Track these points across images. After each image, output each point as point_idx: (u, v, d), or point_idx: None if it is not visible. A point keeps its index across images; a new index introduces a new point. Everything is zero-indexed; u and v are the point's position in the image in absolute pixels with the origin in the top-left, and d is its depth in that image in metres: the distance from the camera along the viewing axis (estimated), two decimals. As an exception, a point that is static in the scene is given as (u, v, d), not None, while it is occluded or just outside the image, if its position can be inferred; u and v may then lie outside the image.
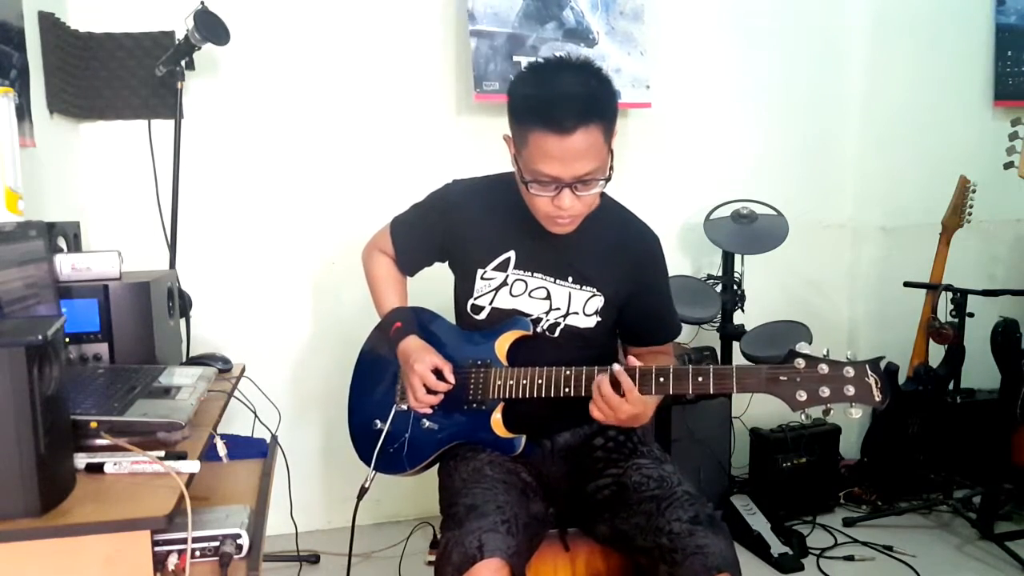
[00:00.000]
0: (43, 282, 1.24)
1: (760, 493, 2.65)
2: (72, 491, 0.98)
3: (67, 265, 1.53)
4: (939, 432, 2.73)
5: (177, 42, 2.25)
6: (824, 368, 1.26)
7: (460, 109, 2.66)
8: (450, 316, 1.65)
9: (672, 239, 2.92)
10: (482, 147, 2.29)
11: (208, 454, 1.21)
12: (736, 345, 2.70)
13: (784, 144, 3.03)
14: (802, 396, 1.26)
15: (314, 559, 2.43)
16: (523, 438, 1.50)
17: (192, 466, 1.06)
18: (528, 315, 1.53)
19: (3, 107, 1.37)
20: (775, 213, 2.78)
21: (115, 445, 1.08)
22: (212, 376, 1.46)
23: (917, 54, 3.08)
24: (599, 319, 1.52)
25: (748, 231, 2.73)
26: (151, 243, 2.36)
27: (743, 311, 2.77)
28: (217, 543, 1.17)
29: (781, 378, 1.27)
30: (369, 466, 1.59)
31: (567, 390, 1.42)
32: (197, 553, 1.15)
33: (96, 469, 1.04)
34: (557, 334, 1.53)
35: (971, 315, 2.64)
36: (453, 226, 1.57)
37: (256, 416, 1.61)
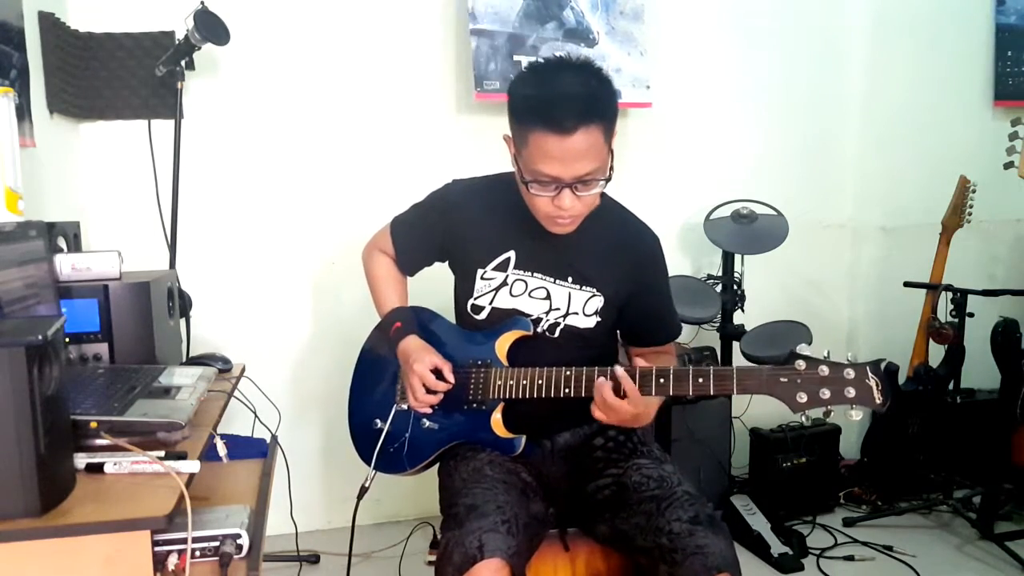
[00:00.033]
0: (43, 282, 1.24)
1: (760, 493, 2.65)
2: (72, 491, 0.98)
3: (67, 265, 1.53)
4: (939, 432, 2.73)
5: (177, 42, 2.25)
6: (825, 370, 1.26)
7: (460, 108, 2.66)
8: (450, 316, 1.65)
9: (672, 239, 2.92)
10: (482, 147, 2.29)
11: (208, 454, 1.21)
12: (736, 345, 2.70)
13: (784, 144, 3.03)
14: (802, 398, 1.26)
15: (314, 559, 2.43)
16: (523, 438, 1.50)
17: (192, 466, 1.06)
18: (528, 315, 1.53)
19: (3, 107, 1.37)
20: (775, 213, 2.78)
21: (115, 445, 1.08)
22: (212, 376, 1.46)
23: (917, 54, 3.08)
24: (599, 319, 1.52)
25: (748, 231, 2.73)
26: (151, 243, 2.36)
27: (743, 311, 2.77)
28: (217, 543, 1.17)
29: (781, 380, 1.27)
30: (369, 466, 1.60)
31: (567, 391, 1.42)
32: (197, 553, 1.15)
33: (96, 469, 1.04)
34: (557, 334, 1.53)
35: (971, 315, 2.64)
36: (453, 226, 1.57)
37: (256, 416, 1.61)
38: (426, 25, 2.61)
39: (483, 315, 1.55)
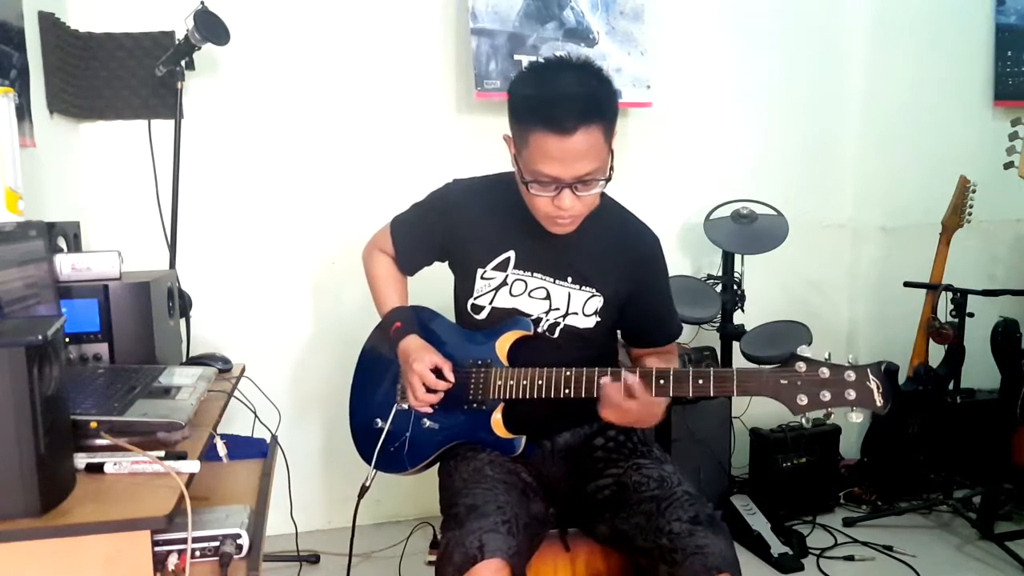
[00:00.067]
0: (43, 282, 1.24)
1: (760, 493, 2.65)
2: (72, 491, 0.98)
3: (67, 265, 1.53)
4: (939, 432, 2.73)
5: (177, 42, 2.25)
6: (825, 372, 1.25)
7: (460, 108, 2.66)
8: (450, 316, 1.65)
9: (672, 239, 2.92)
10: (482, 146, 2.29)
11: (208, 454, 1.21)
12: (736, 345, 2.70)
13: (784, 144, 3.03)
14: (803, 400, 1.26)
15: (314, 559, 2.43)
16: (523, 439, 1.50)
17: (192, 466, 1.06)
18: (528, 315, 1.52)
19: (3, 107, 1.37)
20: (775, 213, 2.78)
21: (115, 445, 1.08)
22: (212, 376, 1.46)
23: (917, 54, 3.08)
24: (598, 319, 1.52)
25: (748, 231, 2.73)
26: (151, 243, 2.36)
27: (743, 311, 2.77)
28: (217, 543, 1.17)
29: (782, 382, 1.27)
30: (370, 465, 1.60)
31: (567, 391, 1.42)
32: (197, 553, 1.15)
33: (96, 469, 1.04)
34: (556, 334, 1.53)
35: (971, 315, 2.64)
36: (453, 226, 1.57)
37: (256, 416, 1.61)
38: (426, 25, 2.61)
39: (483, 315, 1.55)
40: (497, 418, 1.50)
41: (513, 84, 1.39)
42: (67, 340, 1.43)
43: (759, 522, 2.49)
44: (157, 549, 1.03)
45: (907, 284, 2.80)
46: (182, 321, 1.98)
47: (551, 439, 1.57)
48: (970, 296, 2.63)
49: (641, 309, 1.56)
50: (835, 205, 3.15)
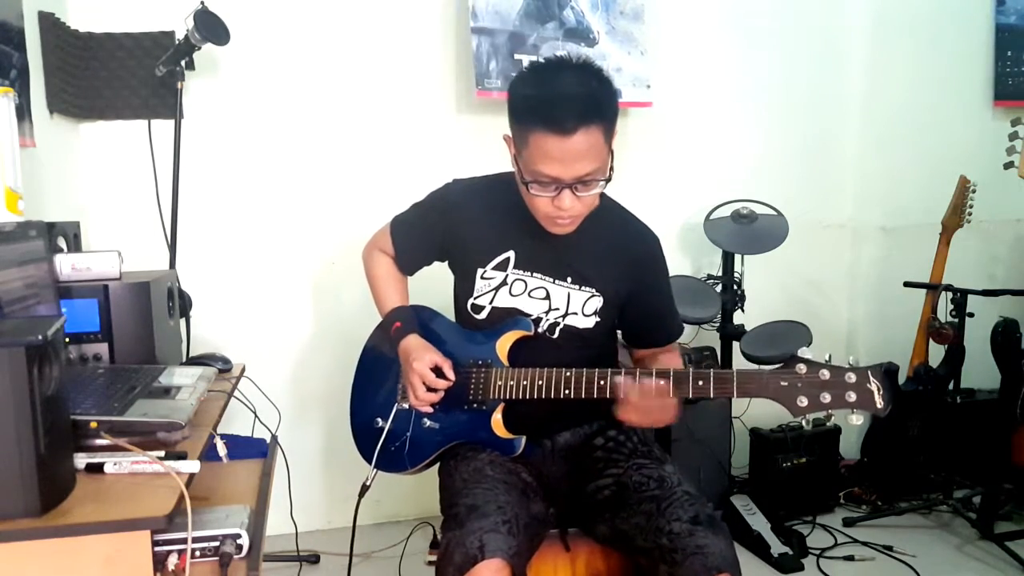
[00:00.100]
0: (43, 282, 1.24)
1: (760, 493, 2.65)
2: (72, 491, 0.98)
3: (67, 265, 1.53)
4: (939, 432, 2.73)
5: (177, 42, 2.25)
6: (826, 374, 1.25)
7: (460, 108, 2.66)
8: (450, 316, 1.65)
9: (672, 239, 2.92)
10: (483, 146, 2.29)
11: (208, 454, 1.21)
12: (736, 345, 2.70)
13: (784, 144, 3.03)
14: (803, 402, 1.26)
15: (314, 559, 2.43)
16: (523, 439, 1.50)
17: (192, 466, 1.06)
18: (528, 315, 1.52)
19: (3, 107, 1.37)
20: (775, 213, 2.78)
21: (115, 445, 1.08)
22: (212, 376, 1.46)
23: (917, 54, 3.08)
24: (598, 319, 1.52)
25: (748, 231, 2.73)
26: (151, 243, 2.36)
27: (743, 311, 2.77)
28: (217, 543, 1.16)
29: (782, 383, 1.27)
30: (370, 464, 1.60)
31: (567, 391, 1.42)
32: (197, 553, 1.15)
33: (96, 469, 1.04)
34: (556, 334, 1.53)
35: (971, 315, 2.64)
36: (453, 226, 1.57)
37: (256, 416, 1.61)
38: (426, 25, 2.61)
39: (483, 315, 1.55)
40: (497, 418, 1.50)
41: (513, 84, 1.39)
42: (67, 340, 1.43)
43: (759, 522, 2.49)
44: (157, 549, 1.03)
45: (907, 284, 2.80)
46: (182, 321, 1.98)
47: (551, 439, 1.57)
48: (970, 296, 2.63)
49: (641, 309, 1.56)
50: (835, 205, 3.15)
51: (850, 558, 2.43)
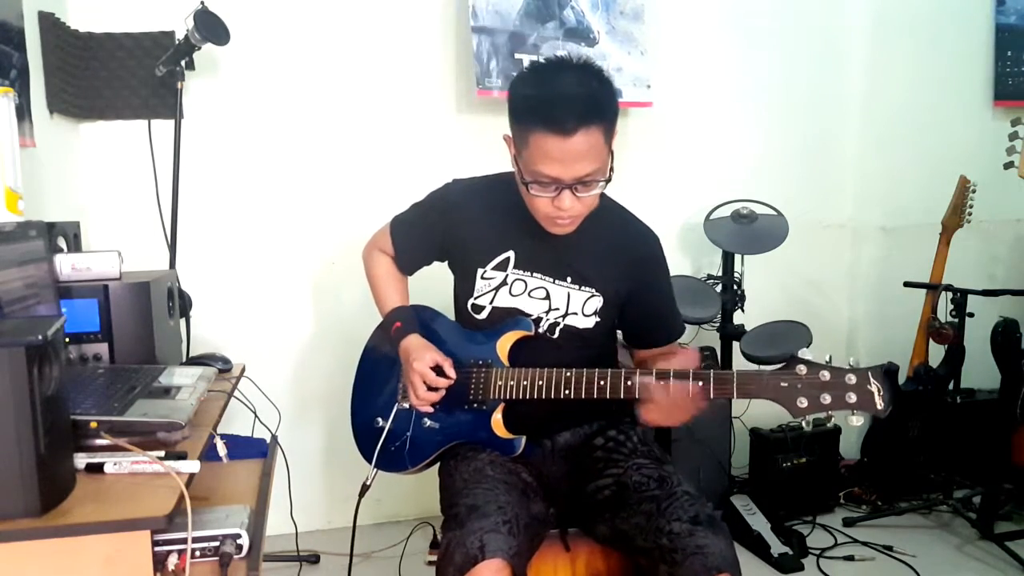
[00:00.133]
0: (43, 282, 1.24)
1: (760, 493, 2.65)
2: (72, 491, 0.98)
3: (67, 265, 1.53)
4: (939, 432, 2.73)
5: (177, 42, 2.25)
6: (826, 375, 1.25)
7: (461, 107, 2.66)
8: (450, 316, 1.65)
9: (672, 239, 2.92)
10: (483, 146, 2.29)
11: (208, 454, 1.21)
12: (736, 345, 2.70)
13: (784, 144, 3.03)
14: (803, 403, 1.26)
15: (314, 559, 2.43)
16: (523, 439, 1.50)
17: (192, 466, 1.06)
18: (528, 315, 1.52)
19: (3, 107, 1.37)
20: (775, 213, 2.78)
21: (115, 445, 1.08)
22: (212, 376, 1.46)
23: (917, 54, 3.08)
24: (598, 319, 1.52)
25: (748, 231, 2.73)
26: (151, 243, 2.36)
27: (743, 311, 2.77)
28: (217, 543, 1.16)
29: (782, 384, 1.27)
30: (370, 464, 1.60)
31: (567, 392, 1.42)
32: (197, 553, 1.15)
33: (96, 469, 1.04)
34: (556, 334, 1.53)
35: (971, 315, 2.64)
36: (453, 226, 1.57)
37: (256, 416, 1.61)
38: (426, 24, 2.61)
39: (483, 315, 1.55)
40: (497, 418, 1.50)
41: (513, 84, 1.39)
42: (67, 340, 1.43)
43: (759, 522, 2.49)
44: (157, 549, 1.03)
45: (907, 284, 2.80)
46: (182, 321, 1.98)
47: (551, 439, 1.57)
48: (970, 296, 2.63)
49: (642, 309, 1.56)
50: (835, 205, 3.15)
51: (850, 558, 2.43)
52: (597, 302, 1.52)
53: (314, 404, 2.61)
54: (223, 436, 1.32)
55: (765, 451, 2.67)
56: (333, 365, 2.47)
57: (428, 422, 1.56)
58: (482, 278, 1.54)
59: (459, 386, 1.51)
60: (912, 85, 3.08)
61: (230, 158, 2.50)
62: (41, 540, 0.90)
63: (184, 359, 1.88)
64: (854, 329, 3.21)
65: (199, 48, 2.23)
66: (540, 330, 1.53)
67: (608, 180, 1.36)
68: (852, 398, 1.24)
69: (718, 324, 2.72)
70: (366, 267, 1.72)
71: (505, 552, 1.23)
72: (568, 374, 1.42)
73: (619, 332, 1.65)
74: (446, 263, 1.65)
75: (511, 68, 2.55)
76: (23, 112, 1.90)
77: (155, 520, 0.92)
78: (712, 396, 1.32)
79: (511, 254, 1.52)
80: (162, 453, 1.06)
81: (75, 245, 1.75)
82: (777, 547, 2.40)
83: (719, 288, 2.75)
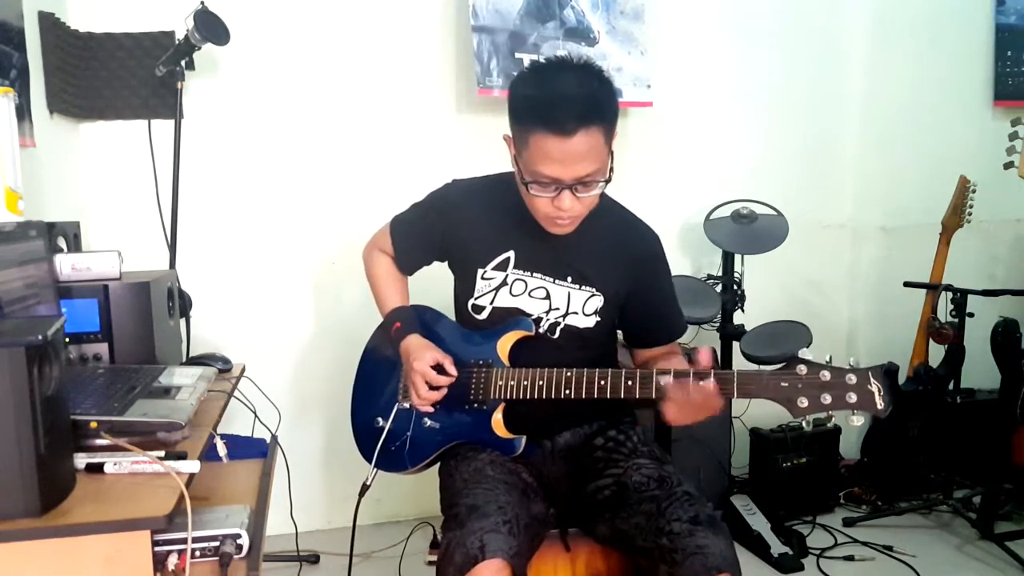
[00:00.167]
0: (43, 282, 1.24)
1: (760, 493, 2.65)
2: (72, 491, 0.98)
3: (67, 265, 1.53)
4: (939, 432, 2.73)
5: (177, 42, 2.25)
6: (826, 375, 1.25)
7: (461, 107, 2.66)
8: (450, 316, 1.65)
9: (672, 239, 2.92)
10: (483, 145, 2.29)
11: (208, 454, 1.21)
12: (736, 345, 2.70)
13: (784, 144, 3.03)
14: (803, 403, 1.26)
15: (314, 559, 2.43)
16: (523, 439, 1.50)
17: (192, 466, 1.06)
18: (529, 315, 1.52)
19: (3, 107, 1.37)
20: (775, 213, 2.78)
21: (115, 445, 1.08)
22: (212, 376, 1.46)
23: (917, 54, 3.08)
24: (598, 319, 1.52)
25: (748, 231, 2.73)
26: (151, 243, 2.36)
27: (743, 311, 2.77)
28: (217, 543, 1.16)
29: (783, 384, 1.27)
30: (370, 464, 1.60)
31: (567, 391, 1.42)
32: (197, 553, 1.15)
33: (96, 469, 1.04)
34: (557, 334, 1.53)
35: (971, 315, 2.64)
36: (453, 226, 1.57)
37: (256, 416, 1.61)
38: (426, 24, 2.61)
39: (484, 315, 1.55)
40: (498, 418, 1.50)
41: (514, 84, 1.39)
42: (67, 340, 1.43)
43: (759, 522, 2.49)
44: (157, 549, 1.03)
45: (907, 284, 2.80)
46: (182, 321, 1.98)
47: (551, 439, 1.57)
48: (970, 296, 2.63)
49: (643, 308, 1.56)
50: (835, 205, 3.15)
51: (850, 558, 2.43)
52: (598, 301, 1.52)
53: (314, 404, 2.61)
54: (223, 436, 1.32)
55: (765, 451, 2.67)
56: (333, 365, 2.47)
57: (428, 422, 1.56)
58: (482, 278, 1.54)
59: (459, 386, 1.51)
60: (912, 85, 3.08)
61: (230, 158, 2.50)
62: (41, 540, 0.90)
63: (184, 359, 1.88)
64: (854, 329, 3.21)
65: (199, 48, 2.23)
66: (540, 330, 1.53)
67: (608, 180, 1.36)
68: (852, 398, 1.24)
69: (718, 324, 2.72)
70: (366, 267, 1.72)
71: (505, 552, 1.23)
72: (568, 374, 1.42)
73: (619, 333, 1.65)
74: (446, 263, 1.65)
75: (512, 67, 2.55)
76: (23, 112, 1.90)
77: (155, 520, 0.92)
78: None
79: (511, 254, 1.52)
80: (162, 453, 1.06)
81: (75, 245, 1.75)
82: (777, 547, 2.40)
83: (719, 288, 2.75)
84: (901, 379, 2.74)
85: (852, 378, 1.24)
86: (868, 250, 3.17)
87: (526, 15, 2.60)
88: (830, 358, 1.27)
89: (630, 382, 1.38)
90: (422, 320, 1.63)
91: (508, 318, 1.53)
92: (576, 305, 1.52)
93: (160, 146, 2.40)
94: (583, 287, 1.51)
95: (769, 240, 2.70)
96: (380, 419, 1.61)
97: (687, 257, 2.98)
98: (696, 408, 1.31)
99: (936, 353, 2.77)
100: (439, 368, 1.50)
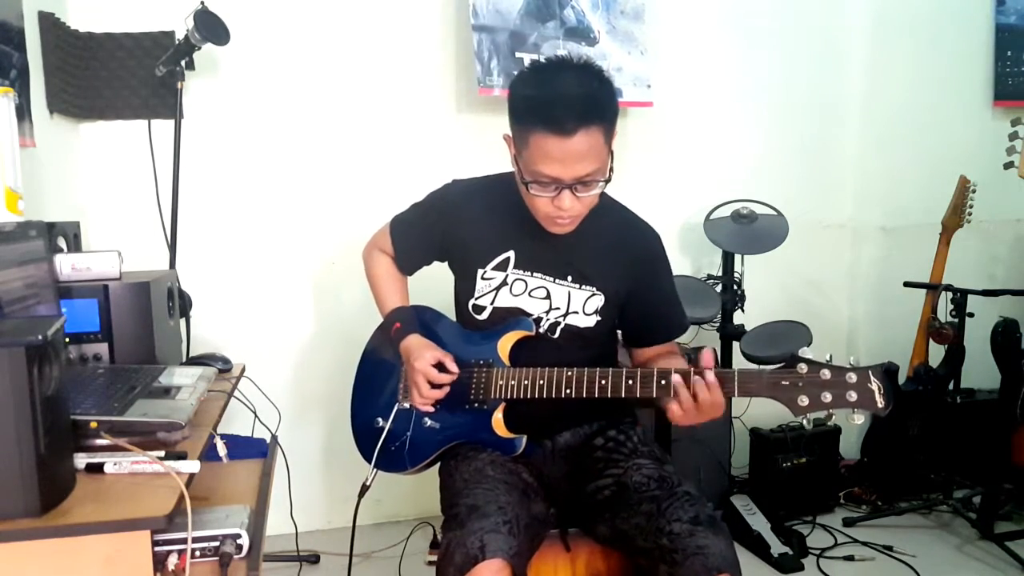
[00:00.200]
0: (43, 282, 1.24)
1: (760, 493, 2.65)
2: (72, 491, 0.98)
3: (67, 265, 1.53)
4: (939, 432, 2.73)
5: (177, 42, 2.25)
6: (827, 373, 1.25)
7: (461, 107, 2.66)
8: (450, 316, 1.65)
9: (672, 239, 2.92)
10: (483, 145, 2.29)
11: (208, 454, 1.21)
12: (736, 345, 2.70)
13: (784, 144, 3.03)
14: (804, 401, 1.26)
15: (314, 559, 2.43)
16: (523, 438, 1.50)
17: (192, 466, 1.06)
18: (529, 315, 1.52)
19: (3, 107, 1.37)
20: (775, 213, 2.78)
21: (115, 445, 1.08)
22: (212, 376, 1.46)
23: (917, 54, 3.08)
24: (599, 318, 1.52)
25: (748, 231, 2.73)
26: (151, 243, 2.36)
27: (743, 311, 2.77)
28: (217, 543, 1.17)
29: (783, 383, 1.27)
30: (370, 464, 1.60)
31: (568, 391, 1.42)
32: (197, 553, 1.15)
33: (96, 469, 1.04)
34: (557, 334, 1.53)
35: (971, 315, 2.64)
36: (452, 226, 1.57)
37: (256, 416, 1.61)
38: (426, 24, 2.61)
39: (484, 315, 1.55)
40: (498, 418, 1.50)
41: (514, 84, 1.39)
42: (67, 340, 1.43)
43: (759, 522, 2.49)
44: (157, 549, 1.03)
45: (907, 284, 2.80)
46: (182, 321, 1.98)
47: (552, 439, 1.57)
48: (970, 296, 2.63)
49: (643, 308, 1.55)
50: (835, 205, 3.15)
51: (850, 558, 2.43)
52: (598, 301, 1.52)
53: (314, 404, 2.61)
54: (223, 436, 1.32)
55: (765, 451, 2.67)
56: (333, 365, 2.47)
57: (428, 422, 1.56)
58: (482, 278, 1.54)
59: (460, 386, 1.51)
60: (912, 85, 3.08)
61: (230, 158, 2.50)
62: (41, 540, 0.90)
63: (184, 359, 1.88)
64: (854, 329, 3.21)
65: (199, 48, 2.23)
66: (541, 330, 1.52)
67: (608, 180, 1.36)
68: (853, 396, 1.24)
69: (718, 324, 2.72)
70: (366, 267, 1.72)
71: (505, 552, 1.23)
72: (569, 374, 1.42)
73: (619, 333, 1.65)
74: (446, 263, 1.65)
75: (512, 67, 2.55)
76: (23, 112, 1.90)
77: (155, 520, 0.92)
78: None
79: (511, 254, 1.52)
80: (162, 453, 1.06)
81: (75, 245, 1.75)
82: (777, 547, 2.40)
83: (719, 288, 2.75)
84: (901, 379, 2.74)
85: (852, 377, 1.25)
86: (868, 250, 3.17)
87: (526, 14, 2.60)
88: (830, 357, 1.27)
89: (631, 381, 1.38)
90: (422, 320, 1.63)
91: (508, 318, 1.53)
92: (576, 304, 1.52)
93: (160, 146, 2.40)
94: (583, 286, 1.51)
95: (769, 240, 2.70)
96: (380, 419, 1.61)
97: (687, 257, 2.98)
98: (703, 409, 1.31)
99: (936, 353, 2.77)
100: (440, 366, 1.50)
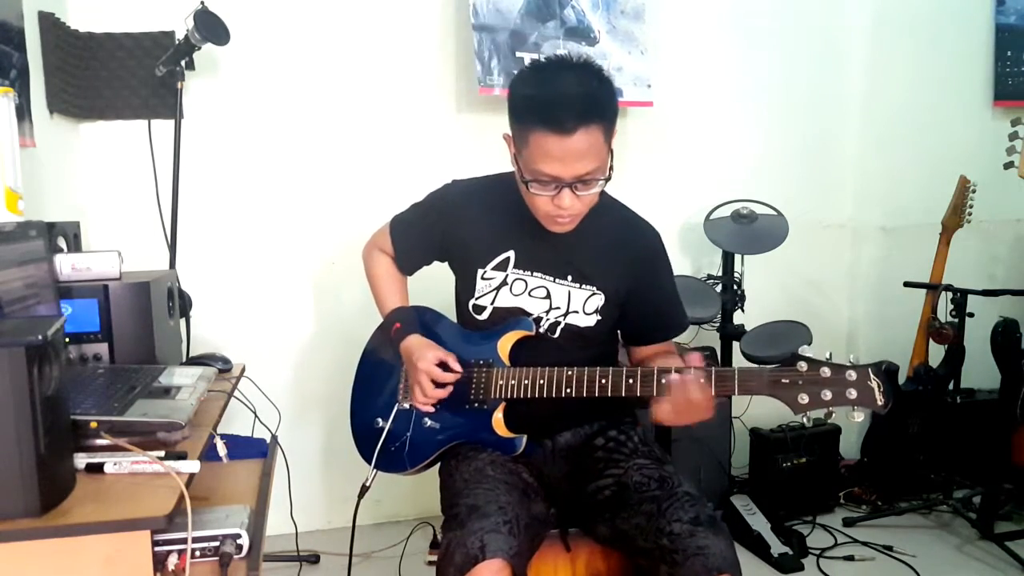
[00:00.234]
0: (43, 282, 1.24)
1: (760, 493, 2.65)
2: (72, 491, 0.98)
3: (67, 265, 1.53)
4: (939, 432, 2.73)
5: (177, 42, 2.25)
6: (826, 371, 1.25)
7: (461, 106, 2.66)
8: (451, 316, 1.65)
9: (672, 239, 2.92)
10: (483, 145, 2.29)
11: (208, 454, 1.21)
12: (736, 345, 2.70)
13: (784, 144, 3.03)
14: (804, 399, 1.26)
15: (314, 559, 2.43)
16: (524, 438, 1.50)
17: (192, 466, 1.06)
18: (529, 315, 1.52)
19: (3, 107, 1.37)
20: (775, 213, 2.78)
21: (115, 445, 1.07)
22: (212, 376, 1.46)
23: (917, 54, 3.08)
24: (599, 318, 1.52)
25: (748, 231, 2.73)
26: (151, 243, 2.36)
27: (743, 311, 2.77)
28: (217, 543, 1.16)
29: (783, 381, 1.27)
30: (370, 464, 1.60)
31: (568, 391, 1.42)
32: (197, 553, 1.15)
33: (96, 469, 1.04)
34: (557, 334, 1.53)
35: (971, 315, 2.64)
36: (452, 226, 1.57)
37: (256, 416, 1.61)
38: (426, 24, 2.61)
39: (485, 315, 1.55)
40: (498, 417, 1.50)
41: (513, 83, 1.39)
42: (67, 340, 1.43)
43: (759, 522, 2.49)
44: (157, 549, 1.03)
45: (907, 284, 2.80)
46: (182, 321, 1.98)
47: (552, 439, 1.57)
48: (970, 296, 2.63)
49: (644, 307, 1.55)
50: (835, 205, 3.15)
51: (850, 558, 2.43)
52: (598, 300, 1.52)
53: (314, 404, 2.61)
54: (223, 436, 1.33)
55: (765, 451, 2.67)
56: (333, 365, 2.46)
57: (428, 422, 1.56)
58: (482, 278, 1.54)
59: (460, 386, 1.51)
60: (912, 85, 3.08)
61: (230, 158, 2.50)
62: (41, 540, 0.90)
63: (184, 359, 1.88)
64: (854, 329, 3.21)
65: (199, 48, 2.23)
66: (541, 329, 1.52)
67: (608, 179, 1.36)
68: (853, 394, 1.24)
69: (718, 324, 2.72)
70: (366, 267, 1.72)
71: (505, 552, 1.23)
72: (569, 373, 1.42)
73: (619, 332, 1.65)
74: (446, 263, 1.64)
75: (512, 66, 2.55)
76: (23, 112, 1.90)
77: (155, 520, 0.92)
78: (714, 393, 1.31)
79: (511, 254, 1.52)
80: (162, 453, 1.06)
81: (75, 245, 1.75)
82: (777, 547, 2.40)
83: (719, 288, 2.75)
84: (901, 379, 2.74)
85: (852, 374, 1.25)
86: (868, 250, 3.17)
87: (526, 14, 2.60)
88: (830, 356, 1.27)
89: (631, 381, 1.38)
90: (422, 320, 1.62)
91: (509, 318, 1.53)
92: (577, 304, 1.52)
93: (160, 146, 2.39)
94: (583, 286, 1.51)
95: (769, 240, 2.70)
96: (380, 420, 1.61)
97: (687, 257, 2.98)
98: (691, 408, 1.31)
99: (936, 353, 2.77)
100: (443, 365, 1.50)
